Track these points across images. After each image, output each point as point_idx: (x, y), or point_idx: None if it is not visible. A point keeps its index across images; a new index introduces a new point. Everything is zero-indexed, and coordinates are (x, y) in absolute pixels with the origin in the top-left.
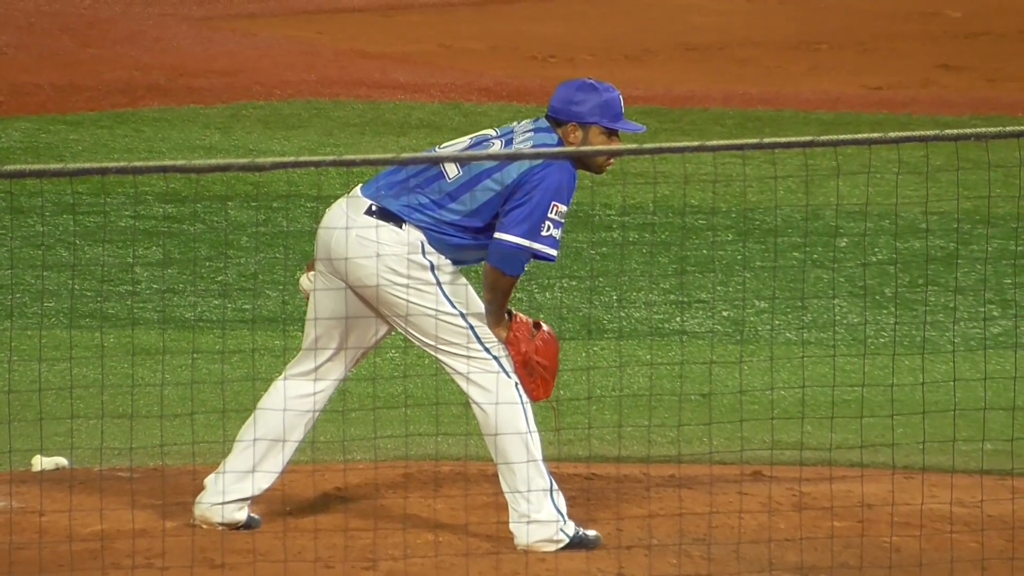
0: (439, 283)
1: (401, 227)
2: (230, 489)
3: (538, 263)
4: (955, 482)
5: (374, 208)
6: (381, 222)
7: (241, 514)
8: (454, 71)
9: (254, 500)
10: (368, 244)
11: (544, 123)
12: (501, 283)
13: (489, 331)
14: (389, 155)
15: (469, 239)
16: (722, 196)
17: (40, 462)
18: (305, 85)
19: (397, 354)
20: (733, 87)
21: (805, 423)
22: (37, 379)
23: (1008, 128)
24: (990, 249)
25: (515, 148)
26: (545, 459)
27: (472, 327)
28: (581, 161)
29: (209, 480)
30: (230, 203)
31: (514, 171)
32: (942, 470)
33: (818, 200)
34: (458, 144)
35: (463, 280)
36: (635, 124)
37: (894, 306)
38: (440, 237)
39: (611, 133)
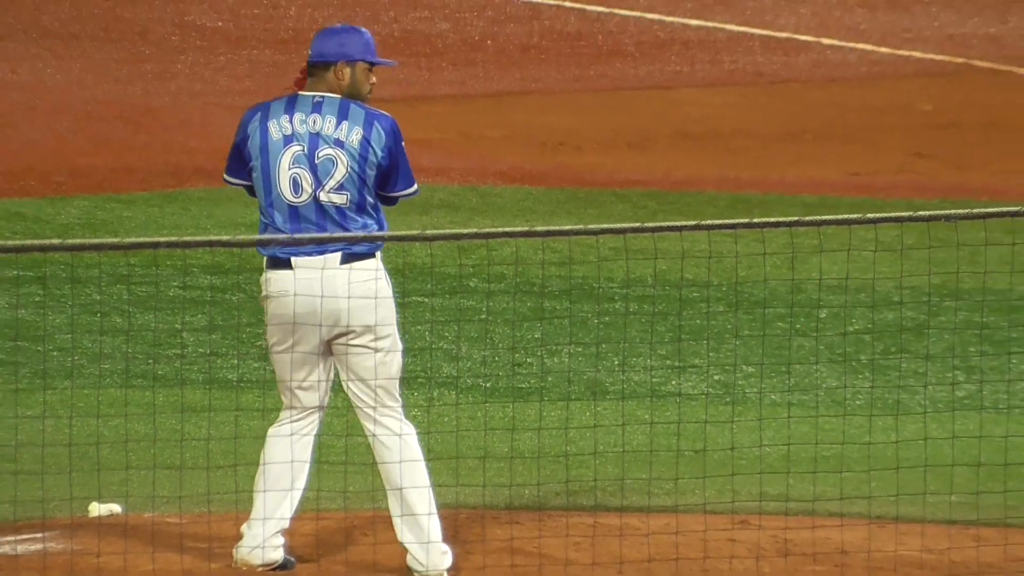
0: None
1: (374, 256)
2: (265, 532)
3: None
4: (925, 531)
5: (343, 256)
6: (357, 263)
7: (277, 554)
8: (472, 156)
9: (287, 543)
10: (370, 287)
11: (331, 98)
12: None
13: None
14: (414, 231)
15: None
16: (715, 271)
17: (96, 508)
18: None
19: (419, 412)
20: (726, 172)
21: (790, 477)
22: (95, 433)
23: (975, 210)
24: (957, 320)
25: (351, 134)
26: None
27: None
28: (356, 95)
29: (244, 527)
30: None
31: (385, 138)
32: (913, 520)
33: (802, 275)
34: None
35: None
36: (389, 60)
37: (870, 371)
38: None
39: (371, 67)
